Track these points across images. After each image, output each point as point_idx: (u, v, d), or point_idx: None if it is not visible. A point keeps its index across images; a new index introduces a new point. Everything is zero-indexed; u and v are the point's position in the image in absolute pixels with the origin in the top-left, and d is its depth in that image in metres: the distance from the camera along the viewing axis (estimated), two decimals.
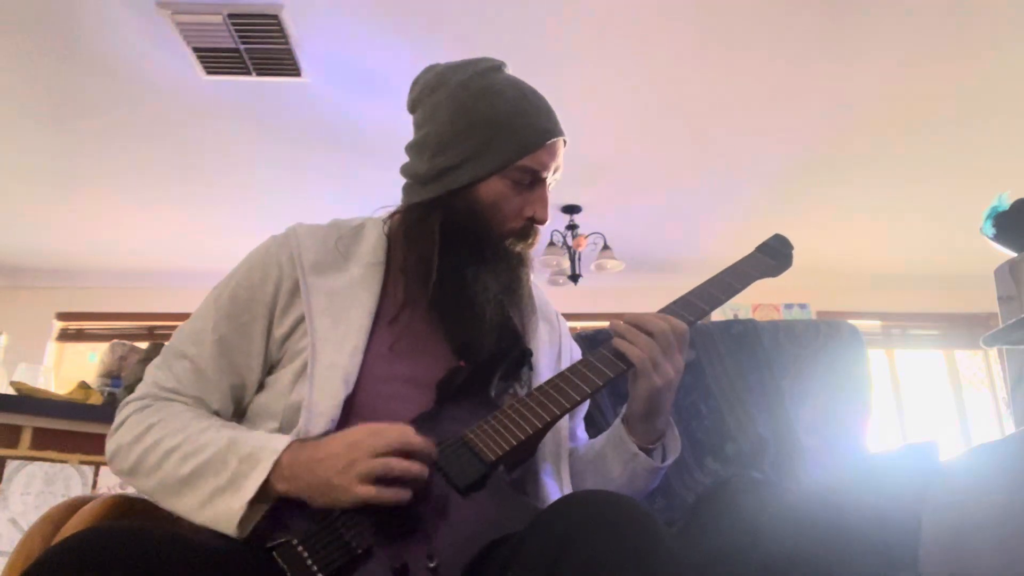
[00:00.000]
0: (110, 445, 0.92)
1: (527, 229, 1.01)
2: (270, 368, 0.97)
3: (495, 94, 0.99)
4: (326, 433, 0.87)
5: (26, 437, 1.95)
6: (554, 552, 0.64)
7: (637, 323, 0.93)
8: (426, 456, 0.80)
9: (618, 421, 1.00)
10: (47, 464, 1.94)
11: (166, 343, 1.00)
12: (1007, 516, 0.82)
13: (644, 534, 0.66)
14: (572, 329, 1.20)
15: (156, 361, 0.97)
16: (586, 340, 1.32)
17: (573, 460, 1.07)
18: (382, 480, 0.77)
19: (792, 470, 1.29)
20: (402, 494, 0.77)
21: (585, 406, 1.15)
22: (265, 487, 0.80)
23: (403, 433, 0.80)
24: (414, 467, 0.78)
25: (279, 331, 0.95)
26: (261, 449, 0.82)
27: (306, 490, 0.79)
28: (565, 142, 1.03)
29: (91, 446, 1.99)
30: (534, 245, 1.04)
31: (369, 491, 0.76)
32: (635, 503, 0.69)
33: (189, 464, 0.83)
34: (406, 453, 0.78)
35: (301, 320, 0.94)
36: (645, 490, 1.00)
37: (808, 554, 0.82)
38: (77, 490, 1.95)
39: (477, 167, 0.97)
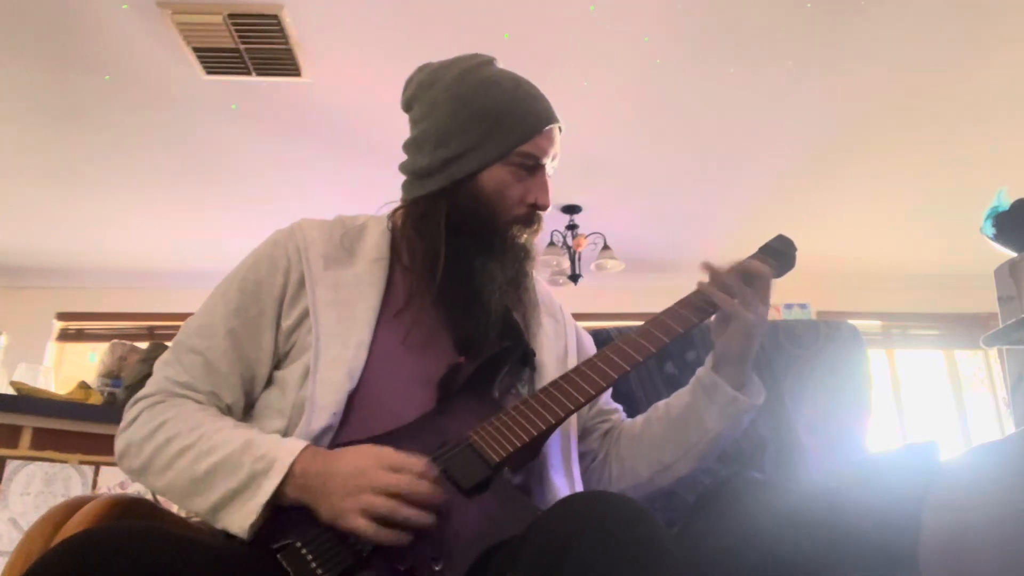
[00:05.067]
0: (119, 443, 0.92)
1: (531, 216, 1.02)
2: (277, 363, 0.97)
3: (492, 85, 1.01)
4: (328, 428, 0.87)
5: (26, 437, 1.95)
6: (553, 554, 0.64)
7: (734, 269, 1.00)
8: (433, 506, 0.77)
9: (706, 372, 1.02)
10: (47, 464, 1.94)
11: (170, 341, 1.00)
12: (1007, 516, 0.82)
13: (644, 534, 0.66)
14: None
15: (165, 357, 0.96)
16: None
17: (630, 431, 1.08)
18: (383, 519, 0.75)
19: (792, 470, 1.29)
20: (401, 538, 0.75)
21: (598, 398, 1.15)
22: (278, 491, 0.79)
23: (417, 474, 0.77)
24: (420, 518, 0.75)
25: (286, 323, 0.95)
26: (277, 451, 0.81)
27: (314, 503, 0.79)
28: (561, 130, 1.04)
29: (91, 446, 1.99)
30: (539, 232, 1.04)
31: (368, 528, 0.75)
32: (635, 503, 0.69)
33: (203, 464, 0.83)
34: (414, 498, 0.76)
35: (307, 313, 0.95)
36: (737, 435, 1.04)
37: (808, 554, 0.82)
38: (77, 490, 1.95)
39: (480, 156, 0.98)
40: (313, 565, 0.74)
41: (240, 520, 0.79)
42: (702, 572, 0.83)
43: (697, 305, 1.00)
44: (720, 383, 1.00)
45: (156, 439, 0.87)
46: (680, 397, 1.05)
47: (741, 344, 0.98)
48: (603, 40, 2.98)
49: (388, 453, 0.79)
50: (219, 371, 0.93)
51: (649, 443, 1.06)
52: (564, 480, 0.97)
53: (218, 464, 0.82)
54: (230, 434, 0.85)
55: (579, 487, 1.00)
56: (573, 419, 1.03)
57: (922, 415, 5.29)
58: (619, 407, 1.16)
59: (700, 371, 1.04)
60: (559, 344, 1.10)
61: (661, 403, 1.08)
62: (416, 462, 0.78)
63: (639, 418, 1.11)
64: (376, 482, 0.76)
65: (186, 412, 0.90)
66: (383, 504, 0.75)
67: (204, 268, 4.58)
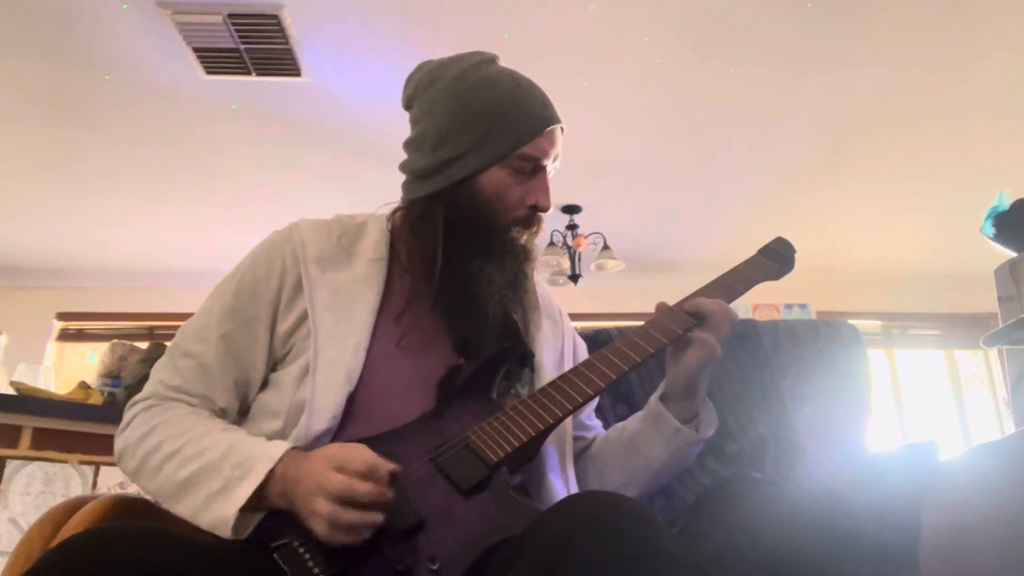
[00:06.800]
0: (118, 444, 0.93)
1: (531, 218, 1.01)
2: (274, 365, 0.97)
3: (492, 84, 1.00)
4: (327, 431, 0.87)
5: (26, 437, 1.95)
6: (553, 553, 0.64)
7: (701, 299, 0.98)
8: (378, 504, 0.76)
9: (655, 400, 1.01)
10: (47, 464, 1.94)
11: (169, 342, 1.00)
12: (1007, 516, 0.82)
13: (644, 534, 0.65)
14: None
15: (162, 360, 0.97)
16: (586, 340, 1.32)
17: (595, 449, 1.08)
18: (330, 523, 0.74)
19: (792, 470, 1.29)
20: (351, 538, 0.74)
21: (591, 404, 1.16)
22: (261, 494, 0.80)
23: (360, 476, 0.75)
24: (360, 519, 0.74)
25: (283, 326, 0.95)
26: (257, 457, 0.81)
27: (292, 507, 0.79)
28: (563, 129, 1.03)
29: (91, 446, 1.99)
30: (539, 234, 1.04)
31: (320, 529, 0.74)
32: (635, 503, 0.69)
33: (187, 468, 0.84)
34: (355, 500, 0.75)
35: (304, 316, 0.94)
36: (684, 466, 1.03)
37: (808, 554, 0.82)
38: (77, 490, 1.95)
39: (478, 157, 0.97)
40: (310, 564, 0.74)
41: (221, 522, 0.79)
42: (702, 572, 0.83)
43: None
44: (665, 414, 0.99)
45: (148, 443, 0.88)
46: (633, 421, 1.05)
47: (690, 377, 0.96)
48: (603, 40, 2.98)
49: (337, 453, 0.78)
50: (212, 374, 0.93)
51: (602, 464, 1.06)
52: (560, 482, 0.97)
53: (200, 469, 0.83)
54: (216, 439, 0.86)
55: (574, 490, 1.00)
56: (569, 422, 1.03)
57: (922, 415, 5.29)
58: (597, 423, 1.16)
59: (652, 398, 1.03)
60: (556, 346, 1.09)
61: (620, 424, 1.08)
62: (362, 461, 0.76)
63: (602, 436, 1.11)
64: (324, 485, 0.75)
65: (177, 416, 0.90)
66: (327, 509, 0.74)
67: (204, 268, 4.58)
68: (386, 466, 0.77)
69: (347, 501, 0.74)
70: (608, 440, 1.08)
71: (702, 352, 0.95)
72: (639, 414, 1.05)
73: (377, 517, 0.75)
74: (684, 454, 1.00)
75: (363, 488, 0.75)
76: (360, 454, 0.77)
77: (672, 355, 0.99)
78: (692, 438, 0.98)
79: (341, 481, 0.74)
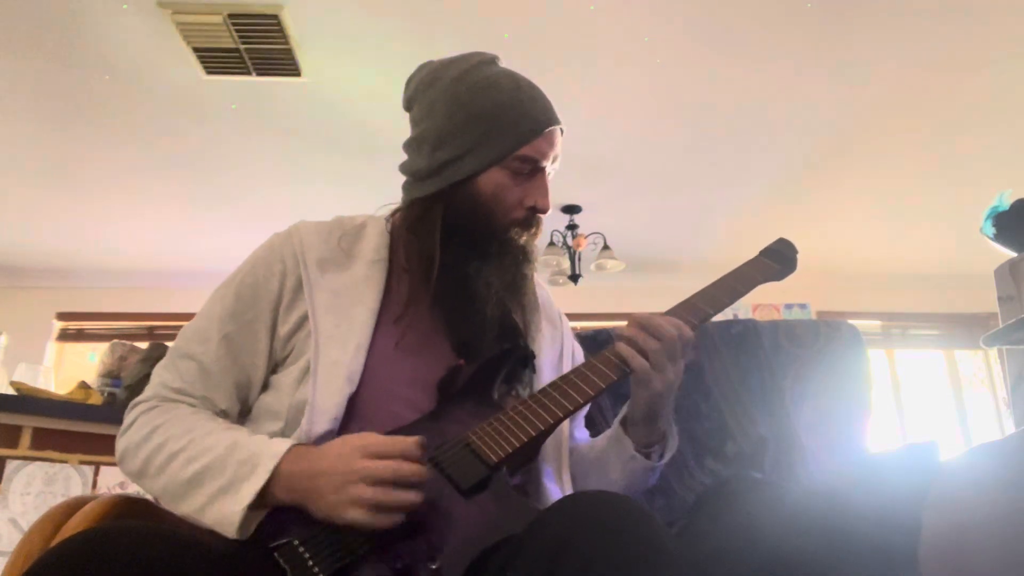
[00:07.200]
0: (119, 446, 0.93)
1: (529, 219, 1.01)
2: (275, 367, 0.97)
3: (491, 86, 1.00)
4: (329, 432, 0.87)
5: (26, 437, 1.95)
6: (553, 553, 0.64)
7: (646, 326, 0.92)
8: (420, 484, 0.78)
9: (617, 422, 1.00)
10: (47, 464, 1.94)
11: (170, 342, 1.00)
12: (1007, 516, 0.82)
13: (644, 534, 0.65)
14: (572, 329, 1.20)
15: (163, 362, 0.97)
16: (586, 340, 1.32)
17: (574, 461, 1.07)
18: (375, 506, 0.76)
19: (792, 470, 1.29)
20: (394, 520, 0.76)
21: (585, 408, 1.16)
22: (265, 492, 0.80)
23: (400, 458, 0.78)
24: (409, 498, 0.77)
25: (283, 328, 0.95)
26: (261, 454, 0.82)
27: (303, 502, 0.79)
28: (562, 131, 1.03)
29: (91, 446, 1.99)
30: (538, 235, 1.03)
31: (362, 517, 0.75)
32: (635, 503, 0.69)
33: (192, 467, 0.84)
34: (400, 482, 0.77)
35: (305, 318, 0.94)
36: (642, 489, 1.01)
37: (808, 554, 0.82)
38: (77, 490, 1.95)
39: (477, 159, 0.97)
40: (310, 563, 0.74)
41: (226, 520, 0.79)
42: (702, 572, 0.83)
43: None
44: (624, 439, 0.98)
45: (150, 444, 0.88)
46: (601, 440, 1.05)
47: (648, 406, 0.94)
48: (603, 40, 2.98)
49: (370, 441, 0.80)
50: (213, 377, 0.94)
51: (573, 478, 1.05)
52: (557, 488, 0.97)
53: (205, 467, 0.83)
54: (219, 437, 0.86)
55: (569, 493, 0.99)
56: (565, 427, 1.03)
57: (922, 415, 5.29)
58: (585, 435, 1.14)
59: (616, 420, 1.02)
60: (555, 350, 1.09)
61: (593, 440, 1.08)
62: (398, 444, 0.79)
63: (578, 450, 1.09)
64: (362, 472, 0.76)
65: (179, 416, 0.90)
66: (371, 493, 0.75)
67: (204, 268, 4.60)
68: (415, 442, 0.79)
69: (395, 483, 0.76)
70: (581, 453, 1.07)
71: (658, 385, 0.91)
72: (607, 432, 1.04)
73: (419, 496, 0.77)
74: (639, 479, 0.98)
75: (408, 469, 0.77)
76: (392, 439, 0.79)
77: (633, 380, 0.95)
78: (646, 465, 0.97)
79: (386, 465, 0.77)
